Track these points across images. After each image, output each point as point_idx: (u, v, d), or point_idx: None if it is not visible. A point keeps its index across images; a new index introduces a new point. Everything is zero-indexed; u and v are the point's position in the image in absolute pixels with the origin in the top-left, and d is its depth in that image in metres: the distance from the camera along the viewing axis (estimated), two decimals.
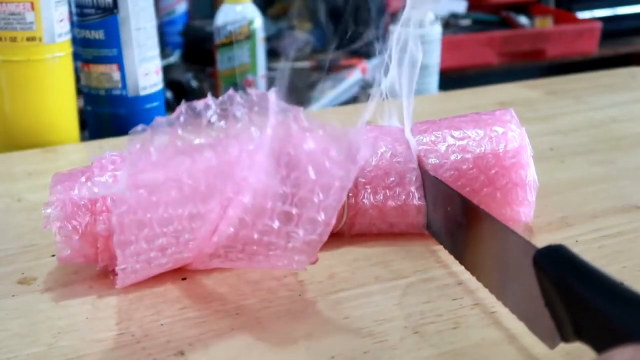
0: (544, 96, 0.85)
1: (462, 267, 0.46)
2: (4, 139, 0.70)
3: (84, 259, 0.44)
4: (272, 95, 0.39)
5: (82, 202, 0.43)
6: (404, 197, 0.47)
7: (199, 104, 0.39)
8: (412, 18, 0.50)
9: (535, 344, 0.39)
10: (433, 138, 0.49)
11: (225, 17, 0.95)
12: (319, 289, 0.44)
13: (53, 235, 0.43)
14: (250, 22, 0.94)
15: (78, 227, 0.43)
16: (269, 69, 1.12)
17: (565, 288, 0.33)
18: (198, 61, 1.21)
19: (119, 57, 0.73)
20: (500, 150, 0.47)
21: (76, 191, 0.43)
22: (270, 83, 1.07)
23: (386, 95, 0.50)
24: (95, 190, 0.43)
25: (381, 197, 0.47)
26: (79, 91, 0.77)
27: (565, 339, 0.34)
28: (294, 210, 0.39)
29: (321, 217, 0.39)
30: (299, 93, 1.11)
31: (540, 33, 1.53)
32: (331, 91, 1.05)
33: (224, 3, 0.96)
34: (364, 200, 0.47)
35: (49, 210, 0.43)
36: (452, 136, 0.48)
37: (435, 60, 0.95)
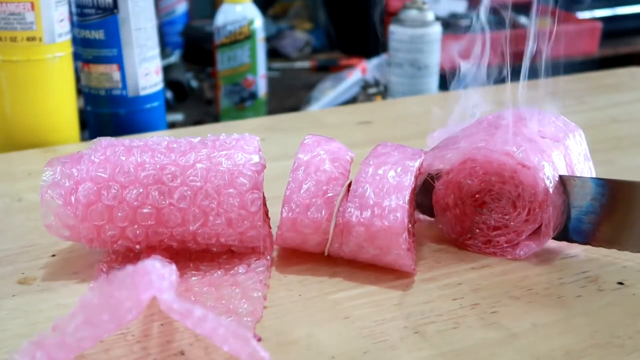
0: (544, 96, 0.85)
1: (462, 267, 0.46)
2: (4, 139, 0.70)
3: (70, 232, 0.45)
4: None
5: (69, 172, 0.45)
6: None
7: None
8: None
9: (535, 344, 0.39)
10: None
11: (225, 17, 0.95)
12: (319, 289, 0.44)
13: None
14: (250, 22, 0.94)
15: (62, 192, 0.44)
16: (269, 69, 1.12)
17: None
18: (198, 61, 1.21)
19: (119, 57, 0.73)
20: None
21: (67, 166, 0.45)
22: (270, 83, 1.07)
23: None
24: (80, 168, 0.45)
25: (368, 214, 0.44)
26: (79, 91, 0.77)
27: None
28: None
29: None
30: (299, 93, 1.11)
31: (540, 33, 1.52)
32: (331, 91, 1.05)
33: (224, 3, 0.96)
34: (351, 217, 0.44)
35: (44, 178, 0.45)
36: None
37: (435, 60, 0.95)
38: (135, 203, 0.44)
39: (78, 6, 0.72)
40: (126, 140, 0.47)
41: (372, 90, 1.05)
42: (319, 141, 0.47)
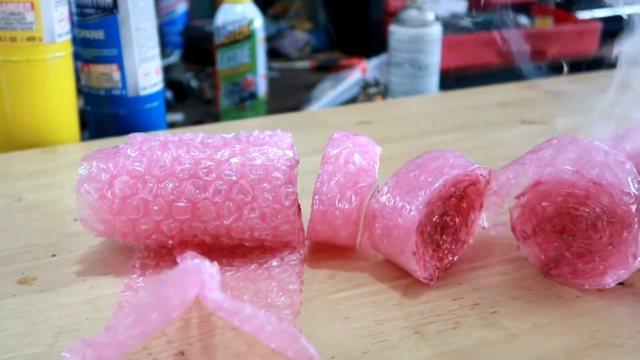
0: (544, 96, 0.85)
1: (462, 267, 0.46)
2: (4, 139, 0.70)
3: (104, 226, 0.45)
4: None
5: (105, 166, 0.45)
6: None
7: None
8: None
9: (535, 344, 0.39)
10: None
11: (225, 17, 0.94)
12: (319, 289, 0.44)
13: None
14: (250, 22, 0.94)
15: (99, 186, 0.44)
16: (269, 69, 1.12)
17: None
18: (198, 61, 1.21)
19: (119, 57, 0.73)
20: None
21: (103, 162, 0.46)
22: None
23: None
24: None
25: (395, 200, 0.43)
26: (79, 91, 0.77)
27: None
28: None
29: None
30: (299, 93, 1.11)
31: (540, 33, 1.52)
32: (331, 91, 1.05)
33: (224, 3, 0.96)
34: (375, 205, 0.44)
35: (81, 172, 0.45)
36: None
37: (435, 60, 0.95)
38: (171, 196, 0.44)
39: (78, 6, 0.72)
40: (160, 135, 0.47)
41: (372, 90, 1.05)
42: (347, 135, 0.48)
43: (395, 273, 0.45)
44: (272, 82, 1.11)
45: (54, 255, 0.49)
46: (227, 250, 0.47)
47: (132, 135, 0.47)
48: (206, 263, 0.36)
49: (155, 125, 0.76)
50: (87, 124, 0.78)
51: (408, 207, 0.42)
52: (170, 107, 1.01)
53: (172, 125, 0.95)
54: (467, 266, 0.47)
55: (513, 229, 0.47)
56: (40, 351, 0.39)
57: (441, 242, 0.45)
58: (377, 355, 0.38)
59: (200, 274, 0.35)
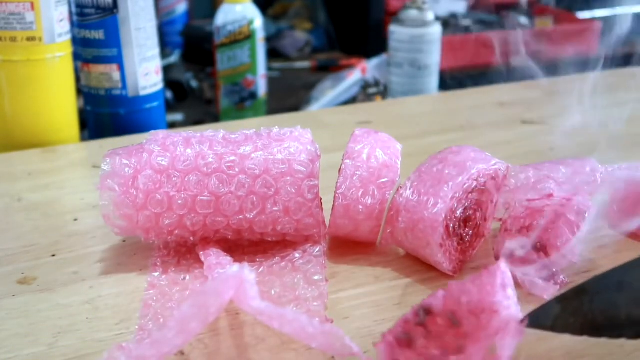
0: (544, 96, 0.85)
1: (462, 268, 0.46)
2: (4, 139, 0.70)
3: (126, 222, 0.45)
4: None
5: (128, 162, 0.45)
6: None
7: None
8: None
9: (535, 344, 0.39)
10: None
11: (225, 17, 0.94)
12: None
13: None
14: (250, 22, 0.94)
15: (122, 181, 0.45)
16: (269, 69, 1.12)
17: None
18: (198, 61, 1.21)
19: (119, 57, 0.73)
20: None
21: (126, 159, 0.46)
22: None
23: None
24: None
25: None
26: (79, 91, 0.77)
27: None
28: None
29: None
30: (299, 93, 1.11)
31: (540, 33, 1.52)
32: (331, 91, 1.05)
33: (224, 3, 0.96)
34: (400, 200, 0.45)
35: (104, 167, 0.45)
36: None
37: (435, 60, 0.95)
38: (195, 190, 0.44)
39: (78, 6, 0.72)
40: (182, 132, 0.48)
41: (372, 90, 1.05)
42: (369, 132, 0.48)
43: (395, 273, 0.45)
44: (272, 82, 1.11)
45: (54, 255, 0.49)
46: (249, 246, 0.48)
47: (153, 132, 0.48)
48: (245, 270, 0.36)
49: (155, 126, 0.76)
50: (87, 124, 0.78)
51: (433, 199, 0.43)
52: (170, 107, 1.01)
53: (172, 125, 0.95)
54: (467, 266, 0.47)
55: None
56: (40, 351, 0.39)
57: (464, 235, 0.46)
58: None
59: (238, 280, 0.36)
